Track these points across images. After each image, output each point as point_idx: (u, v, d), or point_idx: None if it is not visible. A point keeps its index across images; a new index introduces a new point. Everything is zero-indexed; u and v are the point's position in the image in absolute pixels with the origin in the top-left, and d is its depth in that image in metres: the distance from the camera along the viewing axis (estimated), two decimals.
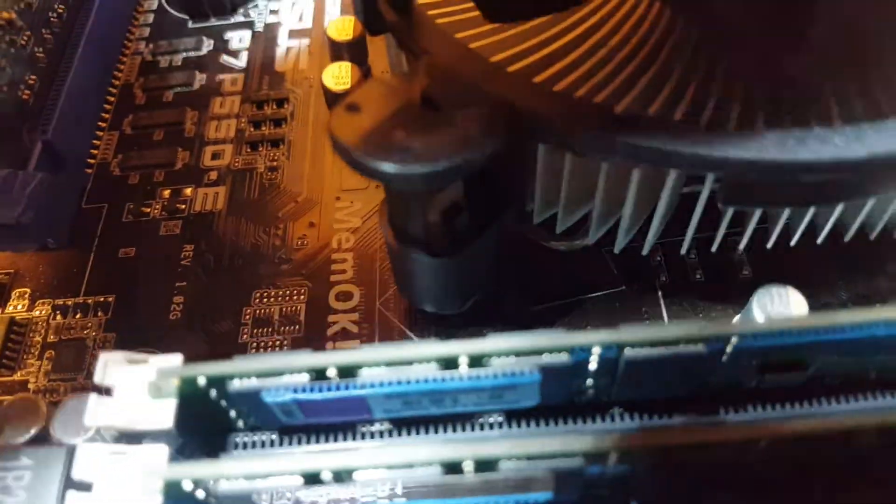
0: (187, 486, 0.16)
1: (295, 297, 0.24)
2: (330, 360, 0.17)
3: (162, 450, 0.17)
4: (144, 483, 0.16)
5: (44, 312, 0.24)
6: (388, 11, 0.20)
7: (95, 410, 0.17)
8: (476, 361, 0.17)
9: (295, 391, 0.17)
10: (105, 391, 0.18)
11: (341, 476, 0.16)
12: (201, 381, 0.17)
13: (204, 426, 0.18)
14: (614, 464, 0.16)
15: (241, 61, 0.30)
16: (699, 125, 0.17)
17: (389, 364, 0.17)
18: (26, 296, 0.25)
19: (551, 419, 0.19)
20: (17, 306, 0.25)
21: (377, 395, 0.18)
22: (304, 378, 0.17)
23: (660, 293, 0.23)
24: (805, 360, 0.18)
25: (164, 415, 0.17)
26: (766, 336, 0.16)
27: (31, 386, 0.23)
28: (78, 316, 0.24)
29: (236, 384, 0.17)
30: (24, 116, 0.25)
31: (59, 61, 0.27)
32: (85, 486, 0.17)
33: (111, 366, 0.18)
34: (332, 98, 0.26)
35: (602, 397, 0.19)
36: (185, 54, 0.30)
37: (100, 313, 0.24)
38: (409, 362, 0.17)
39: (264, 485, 0.16)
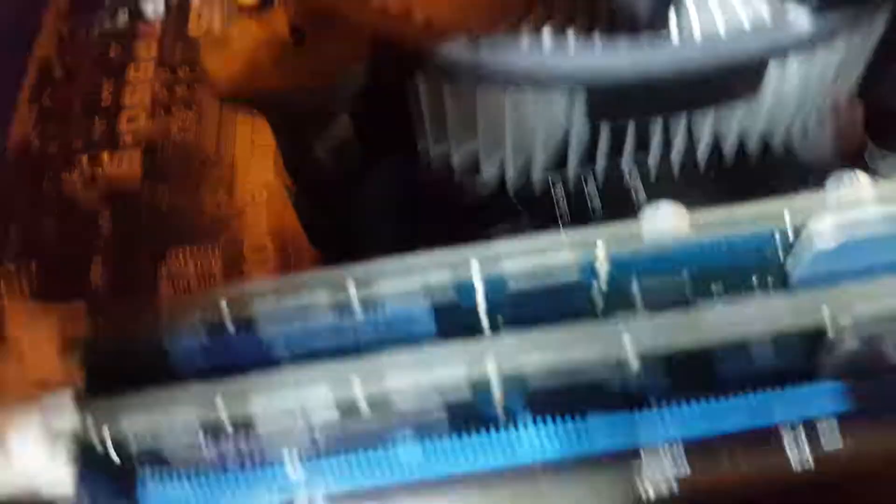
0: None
1: (209, 253, 0.24)
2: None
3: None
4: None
5: None
6: None
7: None
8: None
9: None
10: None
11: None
12: None
13: None
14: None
15: (157, 29, 0.30)
16: (560, 42, 0.18)
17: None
18: None
19: None
20: None
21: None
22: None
23: (561, 223, 0.23)
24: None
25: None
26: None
27: None
28: (2, 284, 0.25)
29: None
30: None
31: None
32: None
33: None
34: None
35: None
36: (101, 27, 0.30)
37: (23, 281, 0.25)
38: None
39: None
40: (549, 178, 0.24)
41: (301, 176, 0.21)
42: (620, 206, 0.23)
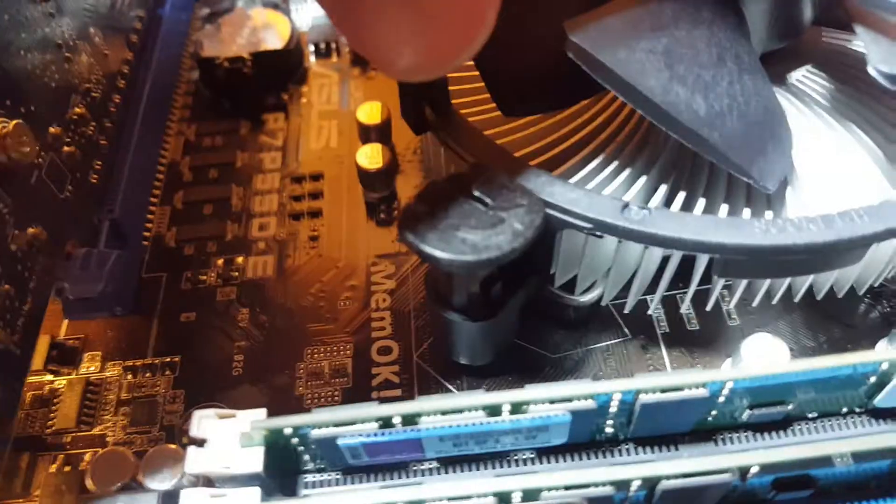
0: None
1: (342, 353, 0.27)
2: (394, 410, 0.20)
3: (255, 492, 0.20)
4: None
5: (115, 373, 0.27)
6: (431, 114, 0.23)
7: (194, 459, 0.20)
8: (517, 408, 0.20)
9: (364, 436, 0.21)
10: (199, 443, 0.21)
11: None
12: (287, 430, 0.20)
13: (281, 470, 0.22)
14: (635, 491, 0.20)
15: (278, 140, 0.33)
16: (693, 215, 0.21)
17: (445, 413, 0.20)
18: (97, 358, 0.28)
19: (577, 455, 0.22)
20: (89, 368, 0.28)
21: (432, 437, 0.21)
22: (373, 426, 0.20)
23: (661, 342, 0.26)
24: (784, 399, 0.21)
25: (254, 461, 0.20)
26: (754, 379, 0.20)
27: (109, 439, 0.26)
28: (147, 375, 0.27)
29: (316, 433, 0.20)
30: (94, 198, 0.28)
31: (118, 146, 0.30)
32: None
33: (205, 420, 0.21)
34: (365, 174, 0.30)
35: (619, 435, 0.22)
36: (225, 135, 0.34)
37: (167, 372, 0.27)
38: (461, 410, 0.20)
39: None
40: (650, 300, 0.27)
41: (450, 304, 0.23)
42: (715, 327, 0.26)
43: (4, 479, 0.25)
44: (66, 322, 0.29)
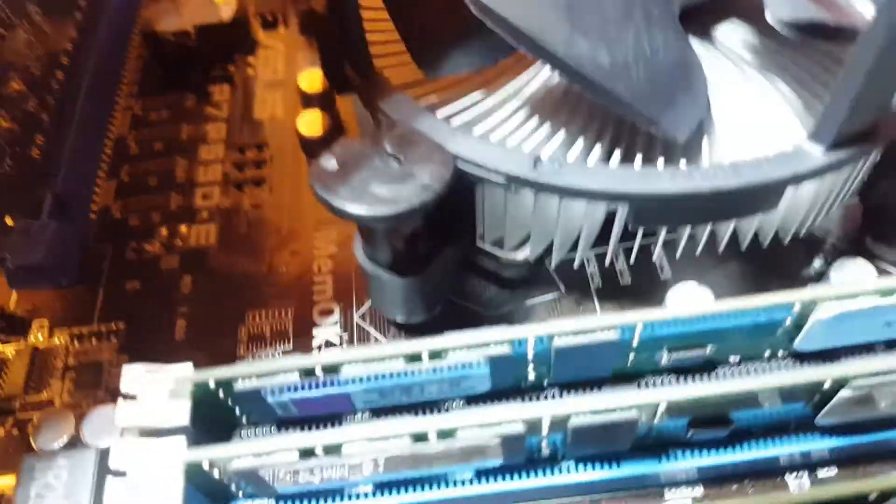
0: (205, 465, 0.20)
1: (283, 316, 0.27)
2: (315, 360, 0.21)
3: (181, 440, 0.20)
4: (169, 467, 0.20)
5: (63, 341, 0.28)
6: (353, 76, 0.24)
7: (124, 413, 0.21)
8: (436, 356, 0.21)
9: (290, 390, 0.21)
10: (130, 398, 0.21)
11: (331, 450, 0.20)
12: (211, 383, 0.21)
13: (215, 424, 0.22)
14: (549, 432, 0.20)
15: (223, 112, 0.34)
16: (608, 166, 0.22)
17: (366, 361, 0.21)
18: (45, 326, 0.28)
19: (504, 400, 0.23)
20: (37, 336, 0.28)
21: (359, 391, 0.21)
22: (295, 376, 0.21)
23: (595, 297, 0.27)
24: (702, 343, 0.22)
25: (181, 414, 0.21)
26: (664, 323, 0.21)
27: (56, 403, 0.26)
28: (94, 341, 0.27)
29: (240, 384, 0.21)
30: (36, 172, 0.29)
31: (60, 122, 0.31)
32: (120, 474, 0.20)
33: (134, 376, 0.22)
34: (305, 142, 0.30)
35: (542, 381, 0.23)
36: (171, 109, 0.34)
37: (113, 339, 0.27)
38: (382, 359, 0.21)
39: (268, 461, 0.20)
40: (585, 257, 0.27)
41: (375, 259, 0.24)
42: (647, 280, 0.27)
43: None
44: (14, 294, 0.29)
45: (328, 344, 0.27)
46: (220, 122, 0.33)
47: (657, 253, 0.26)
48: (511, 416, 0.19)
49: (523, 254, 0.26)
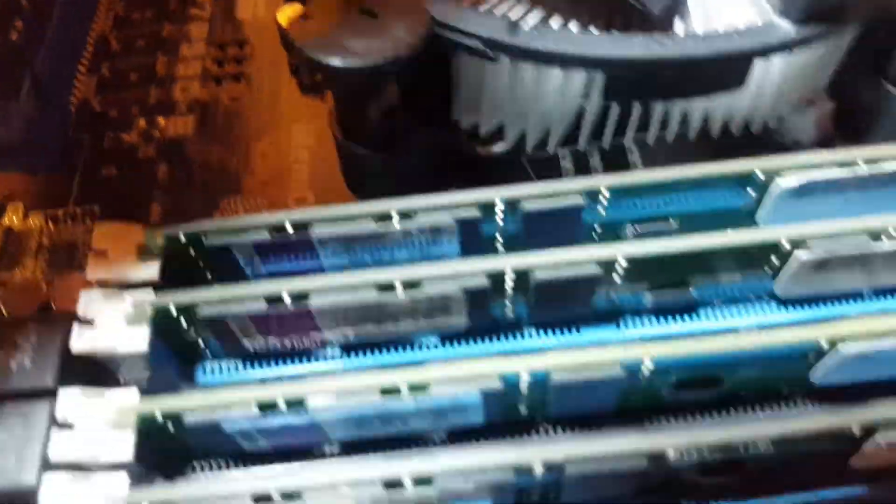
0: (173, 312, 0.20)
1: (258, 204, 0.28)
2: (287, 217, 0.21)
3: (148, 291, 0.21)
4: (134, 316, 0.20)
5: (37, 223, 0.28)
6: None
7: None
8: (405, 215, 0.21)
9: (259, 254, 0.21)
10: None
11: (298, 297, 0.20)
12: (182, 237, 0.21)
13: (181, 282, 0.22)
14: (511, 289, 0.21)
15: (206, 11, 0.34)
16: (584, 33, 0.22)
17: (336, 220, 0.21)
18: (19, 210, 0.28)
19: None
20: (12, 219, 0.28)
21: (327, 252, 0.22)
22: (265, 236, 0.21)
23: None
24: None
25: (150, 270, 0.21)
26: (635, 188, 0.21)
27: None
28: (69, 223, 0.28)
29: (212, 239, 0.21)
30: (14, 55, 0.29)
31: (41, 8, 0.31)
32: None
33: (104, 234, 0.22)
34: (287, 40, 0.30)
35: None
36: (154, 8, 0.34)
37: (88, 221, 0.28)
38: (352, 218, 0.21)
39: (238, 309, 0.20)
40: (559, 152, 0.28)
41: (352, 132, 0.24)
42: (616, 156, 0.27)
43: None
44: None
45: None
46: (202, 21, 0.33)
47: (628, 140, 0.26)
48: (475, 268, 0.20)
49: (499, 147, 0.27)
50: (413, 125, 0.25)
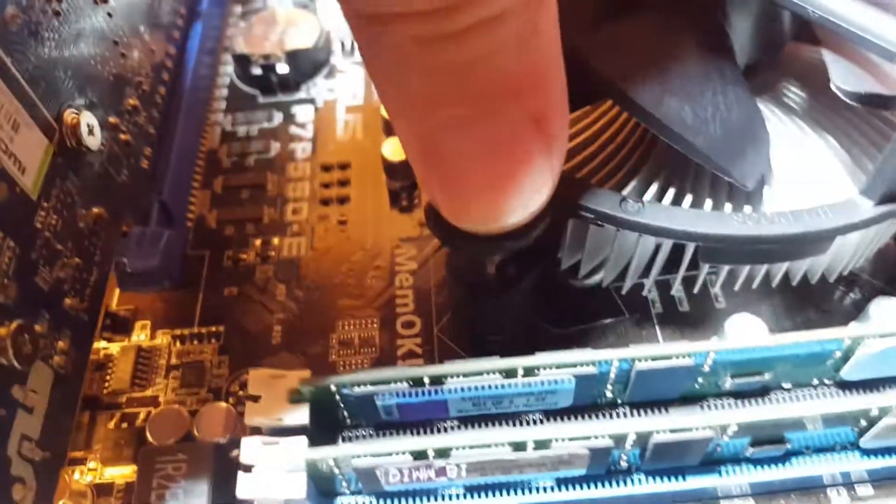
0: (327, 464, 0.22)
1: (370, 326, 0.30)
2: (424, 371, 0.23)
3: (302, 440, 0.23)
4: (291, 464, 0.23)
5: (165, 341, 0.30)
6: None
7: (251, 414, 0.23)
8: (529, 372, 0.23)
9: (399, 396, 0.24)
10: (253, 399, 0.24)
11: (441, 453, 0.22)
12: (332, 387, 0.24)
13: (322, 425, 0.25)
14: (631, 446, 0.23)
15: (308, 132, 0.36)
16: (686, 209, 0.24)
17: (468, 374, 0.23)
18: (147, 327, 0.31)
19: (580, 416, 0.25)
20: (140, 336, 0.31)
21: (456, 398, 0.24)
22: (405, 386, 0.23)
23: (655, 321, 0.29)
24: (761, 370, 0.24)
25: (301, 415, 0.24)
26: (732, 351, 0.23)
27: (161, 400, 0.29)
28: (195, 342, 0.30)
29: (357, 390, 0.23)
30: (145, 182, 0.31)
31: (164, 133, 0.33)
32: (247, 469, 0.23)
33: (257, 380, 0.24)
34: (389, 165, 0.33)
35: (617, 400, 0.25)
36: (259, 125, 0.37)
37: (213, 340, 0.30)
38: (482, 373, 0.23)
39: (385, 461, 0.22)
40: (644, 282, 0.30)
41: (465, 277, 0.27)
42: (704, 308, 0.30)
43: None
44: (117, 294, 0.32)
45: (412, 354, 0.29)
46: (305, 141, 0.36)
47: (718, 285, 0.29)
48: (602, 431, 0.22)
49: (594, 279, 0.29)
50: (523, 268, 0.27)
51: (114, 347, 0.30)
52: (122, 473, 0.27)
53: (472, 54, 0.17)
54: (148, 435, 0.27)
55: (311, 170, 0.35)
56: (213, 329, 0.30)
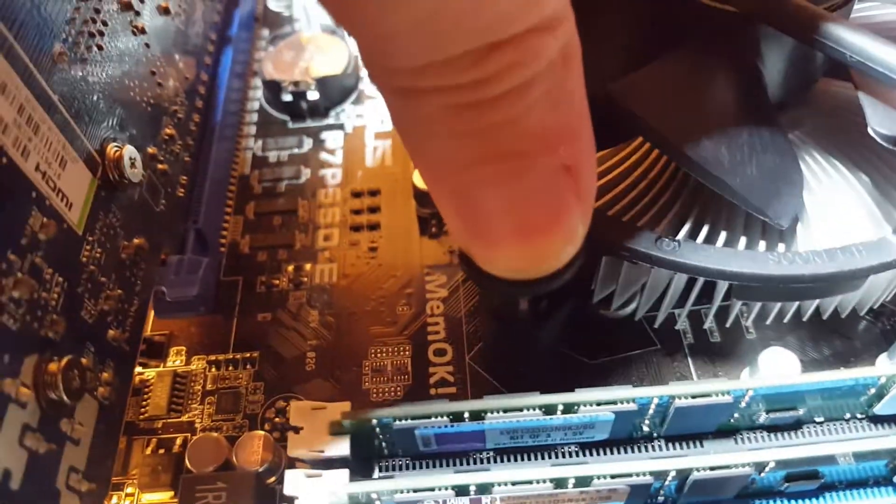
0: (369, 497, 0.23)
1: (402, 353, 0.30)
2: (465, 407, 0.24)
3: (344, 474, 0.23)
4: (334, 497, 0.23)
5: (200, 366, 0.31)
6: None
7: (293, 445, 0.24)
8: (569, 408, 0.24)
9: (437, 428, 0.24)
10: (295, 430, 0.24)
11: (483, 489, 0.23)
12: (373, 421, 0.24)
13: (359, 454, 0.25)
14: (670, 481, 0.23)
15: (338, 158, 0.37)
16: (716, 247, 0.25)
17: (507, 410, 0.24)
18: (183, 353, 0.31)
19: (616, 449, 0.26)
20: (175, 361, 0.31)
21: (494, 430, 0.25)
22: (445, 420, 0.24)
23: (687, 353, 0.30)
24: (795, 405, 0.25)
25: (342, 447, 0.24)
26: (770, 388, 0.24)
27: (197, 426, 0.29)
28: (230, 368, 0.30)
29: (397, 423, 0.24)
30: (181, 210, 0.32)
31: (198, 161, 0.34)
32: (290, 501, 0.23)
33: (299, 412, 0.25)
34: (420, 193, 0.33)
35: (653, 433, 0.26)
36: (289, 151, 0.37)
37: (248, 366, 0.30)
38: (521, 409, 0.24)
39: (427, 496, 0.23)
40: (676, 312, 0.30)
41: (498, 312, 0.27)
42: (735, 340, 0.30)
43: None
44: (152, 319, 0.32)
45: (444, 382, 0.30)
46: (335, 167, 0.36)
47: (751, 319, 0.29)
48: (643, 468, 0.22)
49: (627, 311, 0.30)
50: (556, 303, 0.28)
51: (149, 373, 0.31)
52: (159, 499, 0.28)
53: (503, 117, 0.18)
54: (187, 462, 0.27)
55: (341, 196, 0.35)
56: (248, 355, 0.31)
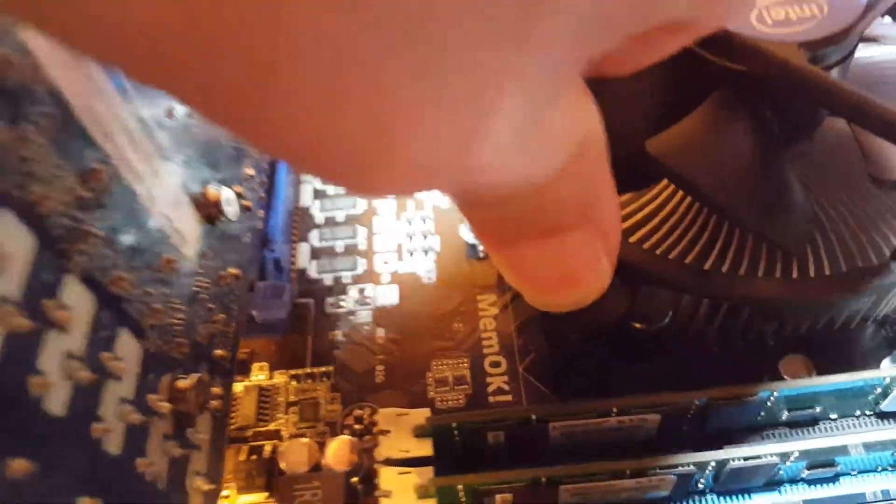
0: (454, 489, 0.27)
1: (461, 365, 0.34)
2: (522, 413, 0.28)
3: (429, 470, 0.27)
4: (423, 490, 0.27)
5: (282, 380, 0.35)
6: None
7: (383, 446, 0.28)
8: (624, 411, 0.28)
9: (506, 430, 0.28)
10: (383, 433, 0.28)
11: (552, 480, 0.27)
12: (453, 424, 0.28)
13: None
14: (710, 471, 0.27)
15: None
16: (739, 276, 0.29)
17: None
18: (265, 369, 0.35)
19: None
20: (259, 376, 0.35)
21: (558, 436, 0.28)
22: (513, 423, 0.28)
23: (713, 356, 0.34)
24: (812, 404, 0.29)
25: (426, 447, 0.28)
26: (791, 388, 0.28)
27: (283, 433, 0.33)
28: (309, 382, 0.34)
29: (472, 426, 0.28)
30: (261, 240, 0.36)
31: (270, 194, 0.38)
32: (386, 494, 0.27)
33: (386, 417, 0.29)
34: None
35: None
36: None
37: (324, 379, 0.34)
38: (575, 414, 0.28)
39: (504, 488, 0.27)
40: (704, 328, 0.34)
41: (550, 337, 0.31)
42: (756, 348, 0.34)
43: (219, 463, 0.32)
44: None
45: (500, 390, 0.34)
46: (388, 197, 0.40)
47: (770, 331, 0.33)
48: (687, 460, 0.26)
49: (659, 327, 0.34)
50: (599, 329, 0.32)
51: (237, 387, 0.35)
52: (255, 500, 0.32)
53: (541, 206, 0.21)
54: (283, 465, 0.31)
55: (395, 223, 0.39)
56: (324, 369, 0.35)
